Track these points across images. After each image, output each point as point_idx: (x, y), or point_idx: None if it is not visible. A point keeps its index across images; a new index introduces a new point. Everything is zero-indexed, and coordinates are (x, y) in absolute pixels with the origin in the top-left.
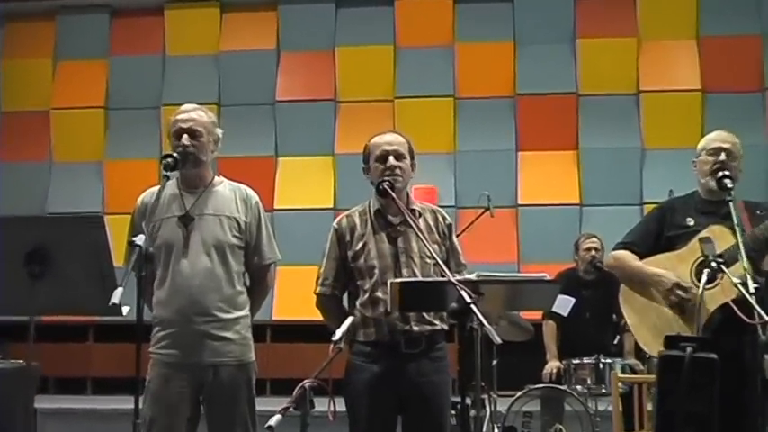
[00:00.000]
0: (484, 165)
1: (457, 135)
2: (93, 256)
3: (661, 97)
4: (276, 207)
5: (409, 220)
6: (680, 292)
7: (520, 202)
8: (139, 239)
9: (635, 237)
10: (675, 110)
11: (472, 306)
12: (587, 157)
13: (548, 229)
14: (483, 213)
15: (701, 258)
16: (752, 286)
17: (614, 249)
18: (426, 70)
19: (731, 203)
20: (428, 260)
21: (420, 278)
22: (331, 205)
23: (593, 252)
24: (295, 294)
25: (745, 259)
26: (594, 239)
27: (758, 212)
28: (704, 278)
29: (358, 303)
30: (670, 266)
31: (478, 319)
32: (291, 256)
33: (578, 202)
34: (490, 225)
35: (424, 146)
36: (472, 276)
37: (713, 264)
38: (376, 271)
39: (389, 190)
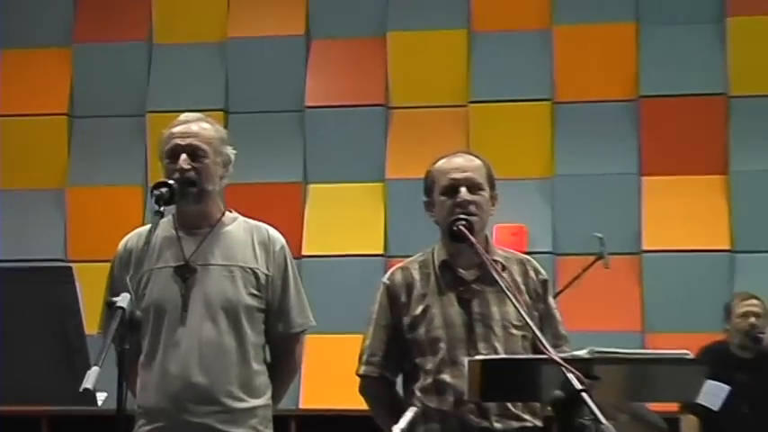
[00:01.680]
0: (593, 195)
1: (555, 153)
2: (57, 323)
3: None
4: (305, 253)
5: (494, 273)
6: None
7: (645, 248)
8: (122, 300)
9: None
10: None
11: (584, 395)
12: (741, 183)
13: (685, 284)
14: (593, 263)
15: None
16: None
17: None
18: (512, 63)
19: None
20: (514, 331)
21: (508, 355)
22: (380, 251)
23: (751, 319)
24: (330, 375)
25: None
26: (754, 301)
27: None
28: None
29: (417, 389)
30: None
31: (592, 412)
32: (326, 321)
33: (728, 246)
34: (603, 279)
35: (508, 169)
36: (583, 353)
37: None
38: (442, 345)
39: (467, 232)
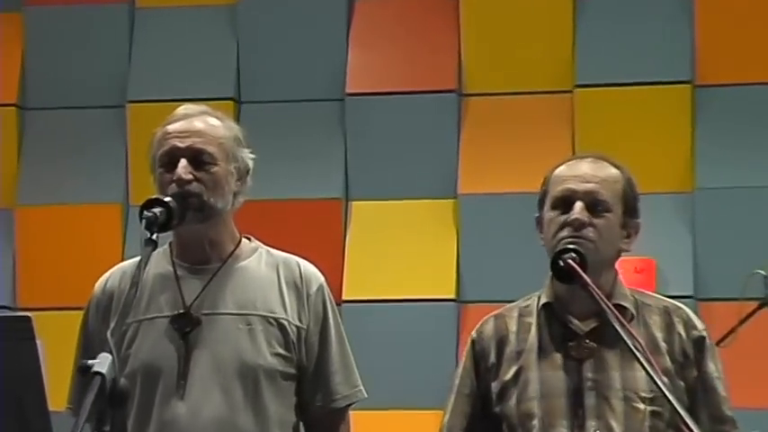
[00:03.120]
0: (752, 216)
1: (696, 158)
2: (10, 395)
3: None
4: (346, 297)
5: (614, 322)
6: None
7: None
8: (100, 363)
9: None
10: None
11: None
12: None
13: None
14: (756, 312)
15: None
16: None
17: None
18: (635, 34)
19: None
20: (639, 405)
21: None
22: (451, 294)
23: None
24: None
25: None
26: None
27: None
28: None
29: None
30: None
31: None
32: (378, 391)
33: None
34: (763, 333)
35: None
36: None
37: None
38: (535, 423)
39: (576, 267)
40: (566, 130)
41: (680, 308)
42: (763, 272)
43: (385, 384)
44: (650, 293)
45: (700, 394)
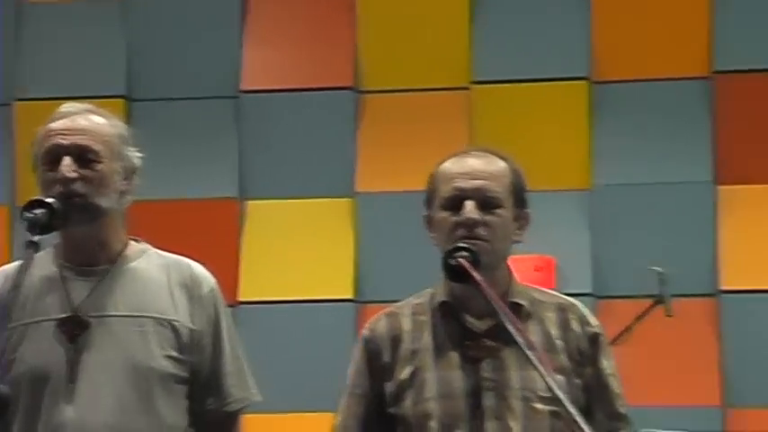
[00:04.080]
0: (650, 212)
1: (594, 154)
2: None
3: None
4: (241, 298)
5: (507, 322)
6: None
7: (723, 287)
8: None
9: None
10: None
11: None
12: None
13: None
14: (650, 309)
15: None
16: None
17: None
18: (532, 30)
19: None
20: (539, 405)
21: None
22: (349, 294)
23: None
24: None
25: None
26: None
27: None
28: None
29: None
30: None
31: None
32: (273, 395)
33: None
34: (664, 331)
35: (530, 178)
36: None
37: None
38: (433, 425)
39: (469, 269)
40: (463, 126)
41: (574, 304)
42: (659, 269)
43: (283, 386)
44: (544, 290)
45: (595, 392)
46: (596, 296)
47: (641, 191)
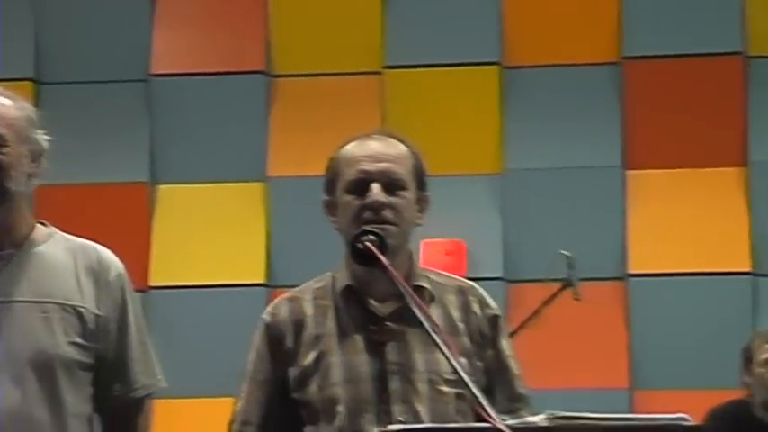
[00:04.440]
0: (560, 197)
1: (505, 139)
2: None
3: None
4: (152, 283)
5: (414, 306)
6: None
7: (631, 271)
8: None
9: None
10: None
11: None
12: (765, 177)
13: (690, 321)
14: (558, 293)
15: None
16: None
17: None
18: (444, 15)
19: None
20: (445, 387)
21: (435, 424)
22: (261, 279)
23: None
24: None
25: None
26: None
27: None
28: None
29: None
30: None
31: None
32: (182, 381)
33: (749, 267)
34: (573, 314)
35: (439, 161)
36: (539, 419)
37: None
38: (340, 409)
39: (377, 252)
40: (375, 111)
41: (473, 287)
42: (567, 253)
43: (195, 371)
44: (442, 272)
45: (495, 373)
46: (506, 280)
47: (551, 175)
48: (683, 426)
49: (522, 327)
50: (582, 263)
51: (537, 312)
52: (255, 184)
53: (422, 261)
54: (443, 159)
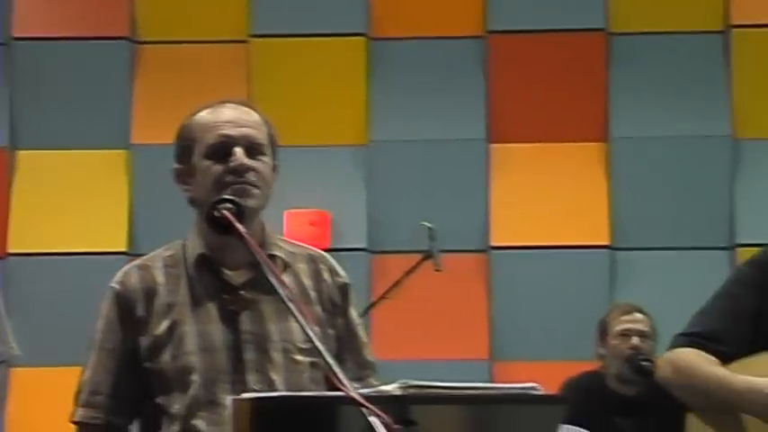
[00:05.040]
0: (423, 168)
1: (371, 110)
2: None
3: None
4: (11, 250)
5: (270, 275)
6: None
7: (493, 243)
8: None
9: (711, 322)
10: None
11: None
12: (625, 153)
13: (550, 294)
14: (419, 264)
15: None
16: None
17: (674, 346)
18: None
19: None
20: (299, 357)
21: (290, 392)
22: (123, 247)
23: (633, 340)
24: (44, 424)
25: None
26: (638, 316)
27: None
28: None
29: None
30: None
31: None
32: (39, 349)
33: (607, 241)
34: (435, 286)
35: (306, 133)
36: (392, 388)
37: None
38: (195, 378)
39: (234, 221)
40: (241, 80)
41: (324, 255)
42: (429, 224)
43: (54, 340)
44: (293, 241)
45: (345, 341)
46: (371, 251)
47: (417, 147)
48: (536, 396)
49: (383, 297)
50: (445, 235)
51: (398, 283)
52: (119, 151)
53: (286, 231)
54: (309, 130)
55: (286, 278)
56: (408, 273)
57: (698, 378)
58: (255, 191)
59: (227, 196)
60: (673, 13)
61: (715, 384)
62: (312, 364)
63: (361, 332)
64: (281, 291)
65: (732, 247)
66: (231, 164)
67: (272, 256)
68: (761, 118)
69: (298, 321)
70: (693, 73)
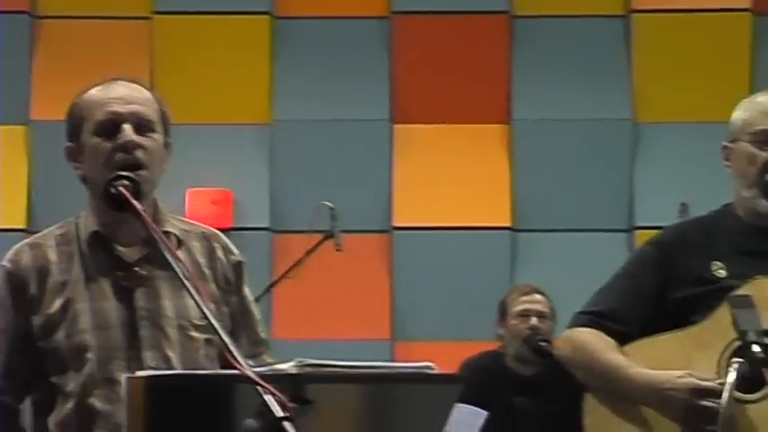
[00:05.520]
0: (327, 148)
1: (275, 89)
2: None
3: (673, 21)
4: None
5: (165, 251)
6: (705, 403)
7: (396, 224)
8: None
9: (611, 301)
10: (704, 47)
11: (287, 425)
12: (527, 136)
13: (452, 274)
14: (319, 244)
15: (737, 341)
16: None
17: (574, 325)
18: None
19: None
20: (195, 333)
21: (185, 370)
22: (21, 223)
23: (532, 320)
24: None
25: None
26: (537, 297)
27: None
28: (731, 376)
29: (53, 422)
30: (681, 357)
31: None
32: None
33: (509, 223)
34: (337, 266)
35: (209, 111)
36: (288, 366)
37: (757, 350)
38: (90, 356)
39: (130, 198)
40: (144, 57)
41: (216, 233)
42: (330, 204)
43: None
44: (185, 219)
45: (239, 318)
46: (273, 230)
47: (320, 127)
48: (430, 375)
49: (285, 276)
50: (348, 215)
51: (299, 263)
52: (18, 127)
53: (188, 210)
54: (212, 108)
55: (181, 255)
56: (309, 252)
57: (596, 362)
58: (143, 172)
59: (123, 173)
60: None
61: (613, 374)
62: (207, 341)
63: (255, 310)
64: (176, 267)
65: (631, 230)
66: (119, 140)
67: (167, 233)
68: (661, 102)
69: (193, 298)
70: (595, 57)
